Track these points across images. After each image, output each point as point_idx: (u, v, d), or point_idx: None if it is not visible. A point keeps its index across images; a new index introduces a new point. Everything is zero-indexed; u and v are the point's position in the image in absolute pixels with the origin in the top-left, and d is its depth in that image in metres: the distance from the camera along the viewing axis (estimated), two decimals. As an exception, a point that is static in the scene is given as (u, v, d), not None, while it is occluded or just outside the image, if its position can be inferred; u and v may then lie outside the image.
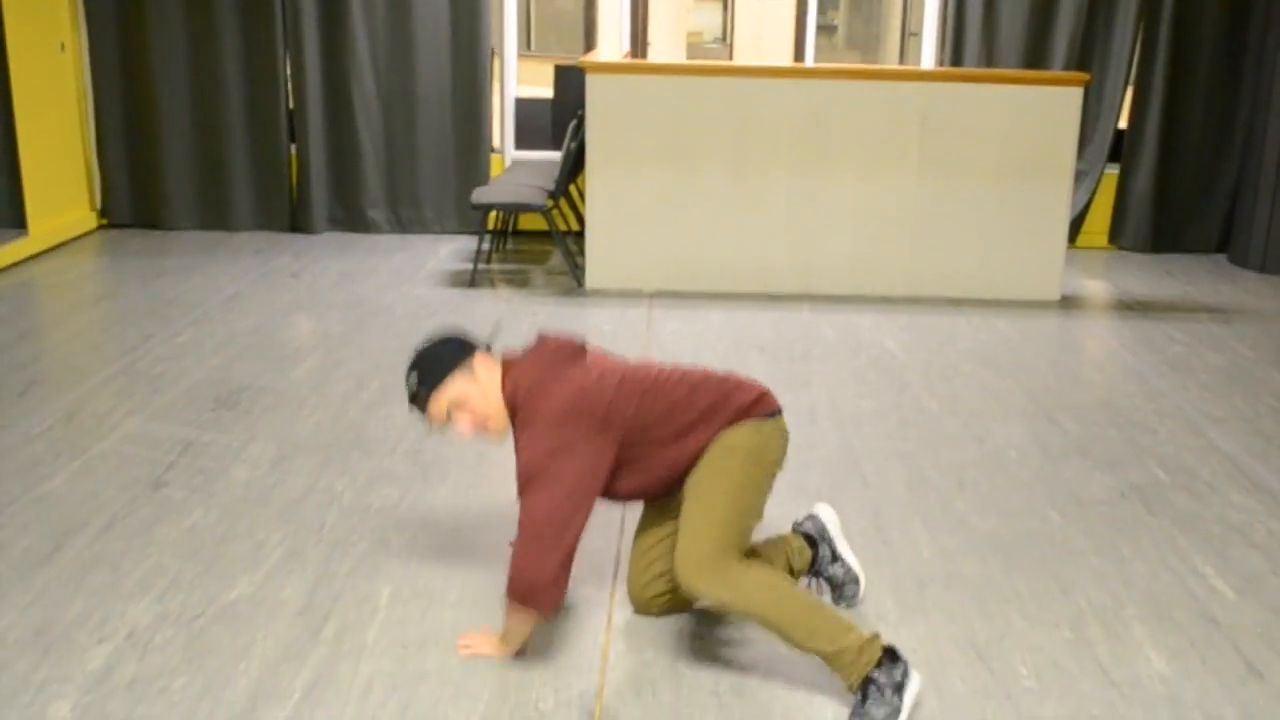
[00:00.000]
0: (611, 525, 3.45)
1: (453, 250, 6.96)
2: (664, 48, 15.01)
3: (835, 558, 3.02)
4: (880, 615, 3.00)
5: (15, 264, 6.36)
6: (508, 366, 2.78)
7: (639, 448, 2.72)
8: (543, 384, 2.69)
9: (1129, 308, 6.15)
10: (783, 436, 2.81)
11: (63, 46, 7.00)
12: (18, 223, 6.58)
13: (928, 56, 7.41)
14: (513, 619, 2.70)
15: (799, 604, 2.59)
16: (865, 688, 2.52)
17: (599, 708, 2.58)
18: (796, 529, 3.07)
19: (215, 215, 7.36)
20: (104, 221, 7.39)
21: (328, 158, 7.34)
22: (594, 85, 6.00)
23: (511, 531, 3.09)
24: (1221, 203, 7.38)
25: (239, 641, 2.80)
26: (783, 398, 4.61)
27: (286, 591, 3.05)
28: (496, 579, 3.08)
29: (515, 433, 2.72)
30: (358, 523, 3.47)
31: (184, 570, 3.14)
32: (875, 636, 2.57)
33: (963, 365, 5.12)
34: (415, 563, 3.22)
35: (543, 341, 2.80)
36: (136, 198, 7.35)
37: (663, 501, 2.91)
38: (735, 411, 2.75)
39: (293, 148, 7.29)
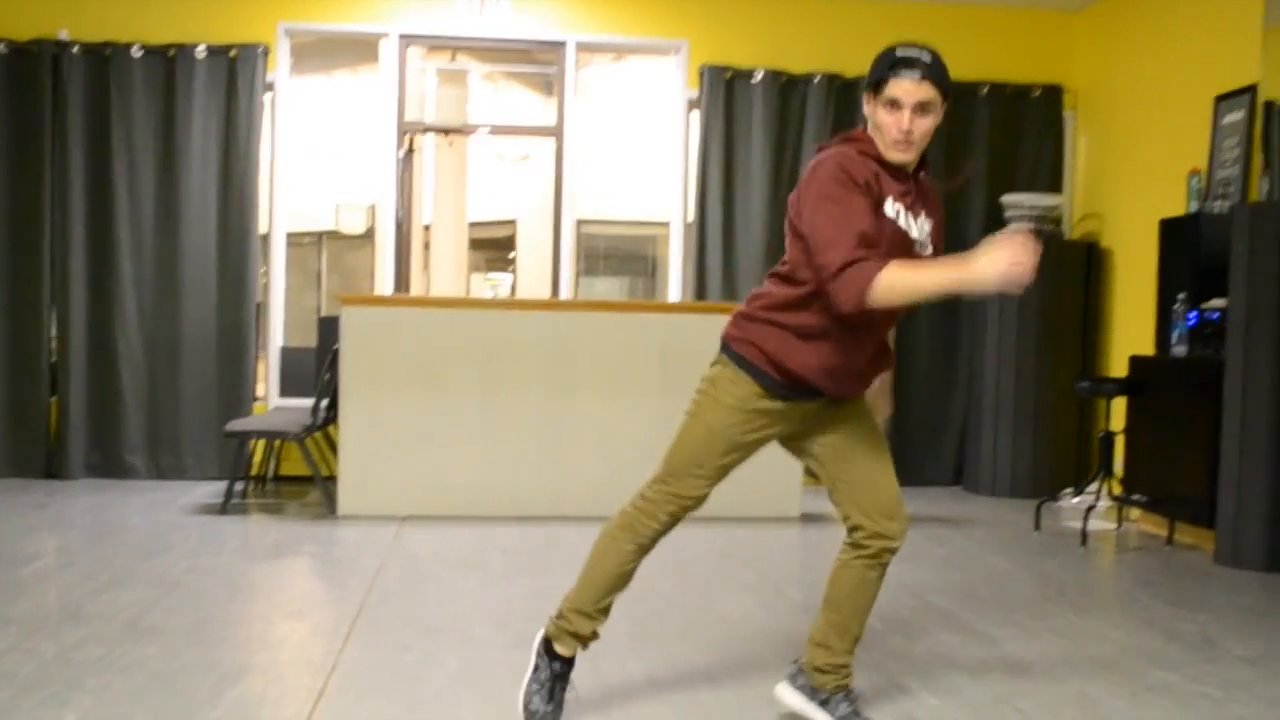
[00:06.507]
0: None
1: (212, 490, 6.84)
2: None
3: None
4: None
5: None
6: None
7: None
8: None
9: (868, 522, 6.45)
10: None
11: None
12: None
13: (673, 291, 7.89)
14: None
15: None
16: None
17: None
18: None
19: (-39, 464, 7.14)
20: None
21: (88, 405, 7.24)
22: (348, 316, 6.18)
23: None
24: (953, 439, 7.91)
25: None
26: (520, 583, 4.67)
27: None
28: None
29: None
30: (55, 672, 3.32)
31: None
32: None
33: (700, 559, 5.26)
34: (108, 701, 3.09)
35: None
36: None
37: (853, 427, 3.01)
38: None
39: (53, 398, 7.23)
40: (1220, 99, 6.41)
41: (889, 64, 2.77)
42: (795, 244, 2.84)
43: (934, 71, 2.76)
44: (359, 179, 13.49)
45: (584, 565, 3.05)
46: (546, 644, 3.02)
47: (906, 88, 2.74)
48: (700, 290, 7.66)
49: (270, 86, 7.52)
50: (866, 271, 2.61)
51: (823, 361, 2.83)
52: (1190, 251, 6.27)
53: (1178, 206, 6.56)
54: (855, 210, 2.70)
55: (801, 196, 2.80)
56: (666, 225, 8.04)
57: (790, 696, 3.08)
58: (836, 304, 2.68)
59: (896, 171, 2.82)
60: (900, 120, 2.75)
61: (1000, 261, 2.53)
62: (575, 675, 3.06)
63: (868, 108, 2.84)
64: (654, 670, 3.54)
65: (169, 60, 7.32)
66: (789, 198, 2.89)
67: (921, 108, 2.76)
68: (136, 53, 7.29)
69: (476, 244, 18.30)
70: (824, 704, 3.02)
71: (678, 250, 7.90)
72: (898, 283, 2.62)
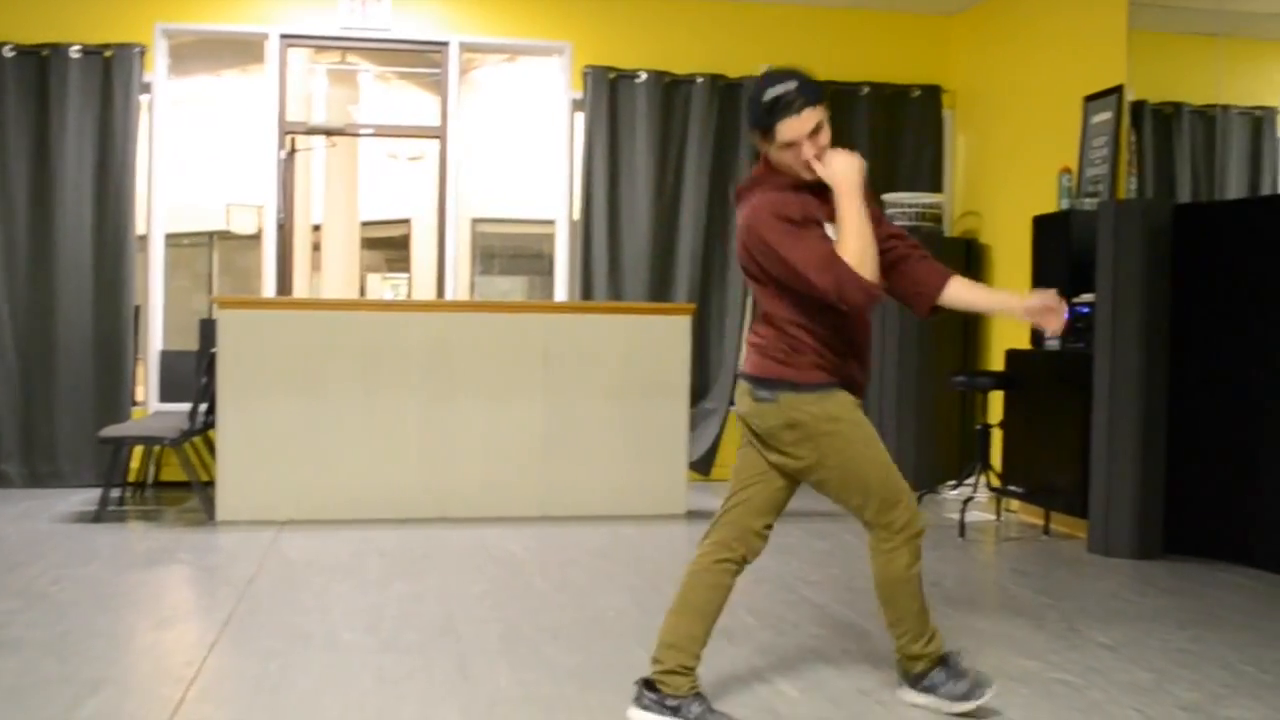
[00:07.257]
0: (183, 679, 3.33)
1: (88, 498, 6.69)
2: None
3: None
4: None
5: None
6: None
7: None
8: None
9: (753, 518, 6.51)
10: None
11: None
12: None
13: (560, 291, 7.88)
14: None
15: None
16: None
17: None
18: None
19: None
20: None
21: (-44, 415, 7.06)
22: (225, 320, 6.08)
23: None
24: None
25: None
26: (395, 587, 4.64)
27: None
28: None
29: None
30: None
31: None
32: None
33: (582, 559, 5.27)
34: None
35: None
36: None
37: None
38: None
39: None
40: (1089, 99, 6.57)
41: (766, 110, 2.80)
42: (761, 289, 2.95)
43: (809, 95, 2.80)
44: (248, 179, 13.29)
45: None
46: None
47: (795, 128, 2.80)
48: (586, 290, 7.66)
49: (148, 87, 7.37)
50: (842, 267, 2.76)
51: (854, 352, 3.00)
52: (1061, 248, 6.43)
53: (1050, 204, 6.71)
54: (810, 235, 2.81)
55: (751, 247, 2.89)
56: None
57: (640, 716, 3.07)
58: (853, 306, 2.81)
59: (820, 189, 2.88)
60: (800, 152, 2.82)
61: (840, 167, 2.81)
62: (441, 673, 3.05)
63: (762, 146, 2.88)
64: (523, 672, 3.54)
65: (42, 60, 7.15)
66: (737, 249, 2.98)
67: (814, 131, 2.81)
68: (8, 53, 7.11)
69: (373, 243, 18.15)
70: (675, 711, 3.01)
71: (564, 250, 7.90)
72: (851, 252, 2.77)
